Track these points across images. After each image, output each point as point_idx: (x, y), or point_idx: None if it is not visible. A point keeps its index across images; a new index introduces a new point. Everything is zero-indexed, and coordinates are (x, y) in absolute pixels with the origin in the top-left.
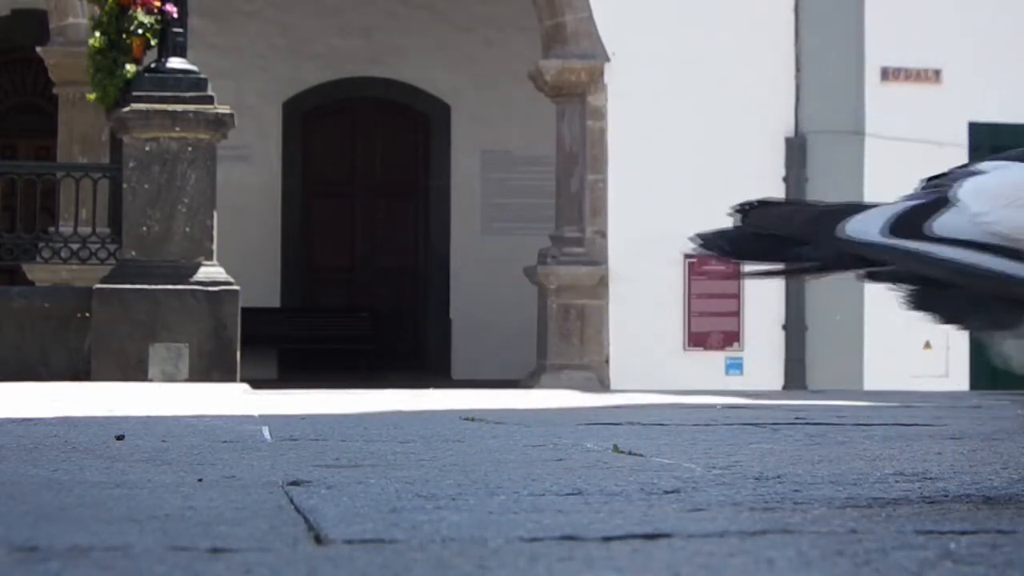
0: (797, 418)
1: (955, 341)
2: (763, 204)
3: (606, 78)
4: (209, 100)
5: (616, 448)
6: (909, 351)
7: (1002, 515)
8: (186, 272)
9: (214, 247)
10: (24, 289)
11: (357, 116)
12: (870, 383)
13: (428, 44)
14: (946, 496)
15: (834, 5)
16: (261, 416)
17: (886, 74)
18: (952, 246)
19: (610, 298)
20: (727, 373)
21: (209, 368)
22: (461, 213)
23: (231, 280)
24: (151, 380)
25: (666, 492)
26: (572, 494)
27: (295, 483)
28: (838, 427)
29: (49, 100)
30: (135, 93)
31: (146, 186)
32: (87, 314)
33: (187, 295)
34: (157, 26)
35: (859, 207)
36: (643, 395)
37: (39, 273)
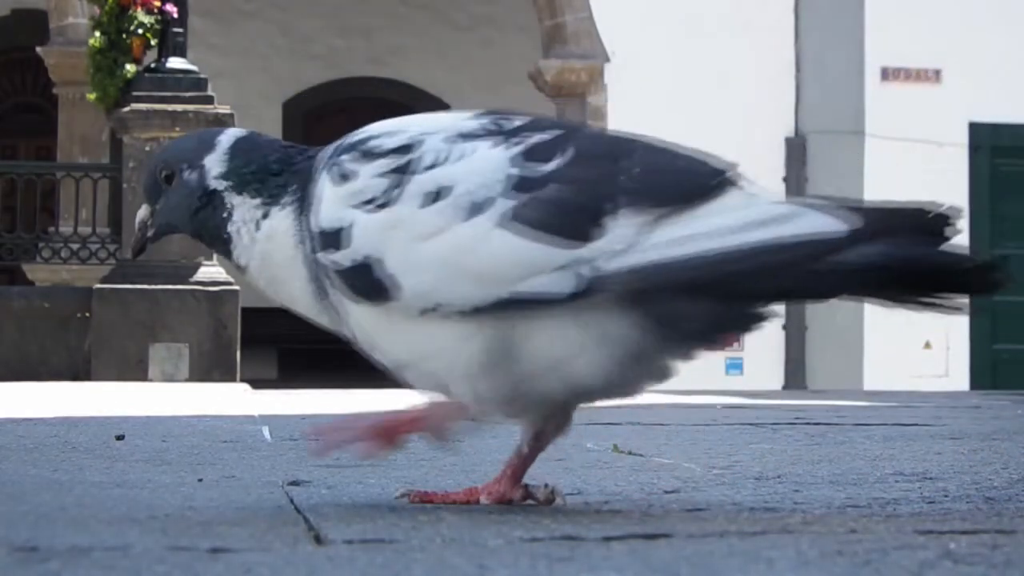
0: (797, 418)
1: (955, 341)
2: None
3: (606, 78)
4: (209, 100)
5: (616, 448)
6: (909, 351)
7: (1002, 515)
8: (186, 272)
9: None
10: (24, 289)
11: (357, 116)
12: (870, 383)
13: (428, 44)
14: (946, 496)
15: (834, 5)
16: (261, 416)
17: (886, 74)
18: None
19: None
20: (727, 373)
21: (209, 368)
22: None
23: (231, 280)
24: (151, 380)
25: (666, 492)
26: (572, 494)
27: (295, 483)
28: (838, 427)
29: (49, 100)
30: (135, 93)
31: None
32: (87, 314)
33: (187, 295)
34: (157, 26)
35: None
36: (643, 395)
37: (39, 273)
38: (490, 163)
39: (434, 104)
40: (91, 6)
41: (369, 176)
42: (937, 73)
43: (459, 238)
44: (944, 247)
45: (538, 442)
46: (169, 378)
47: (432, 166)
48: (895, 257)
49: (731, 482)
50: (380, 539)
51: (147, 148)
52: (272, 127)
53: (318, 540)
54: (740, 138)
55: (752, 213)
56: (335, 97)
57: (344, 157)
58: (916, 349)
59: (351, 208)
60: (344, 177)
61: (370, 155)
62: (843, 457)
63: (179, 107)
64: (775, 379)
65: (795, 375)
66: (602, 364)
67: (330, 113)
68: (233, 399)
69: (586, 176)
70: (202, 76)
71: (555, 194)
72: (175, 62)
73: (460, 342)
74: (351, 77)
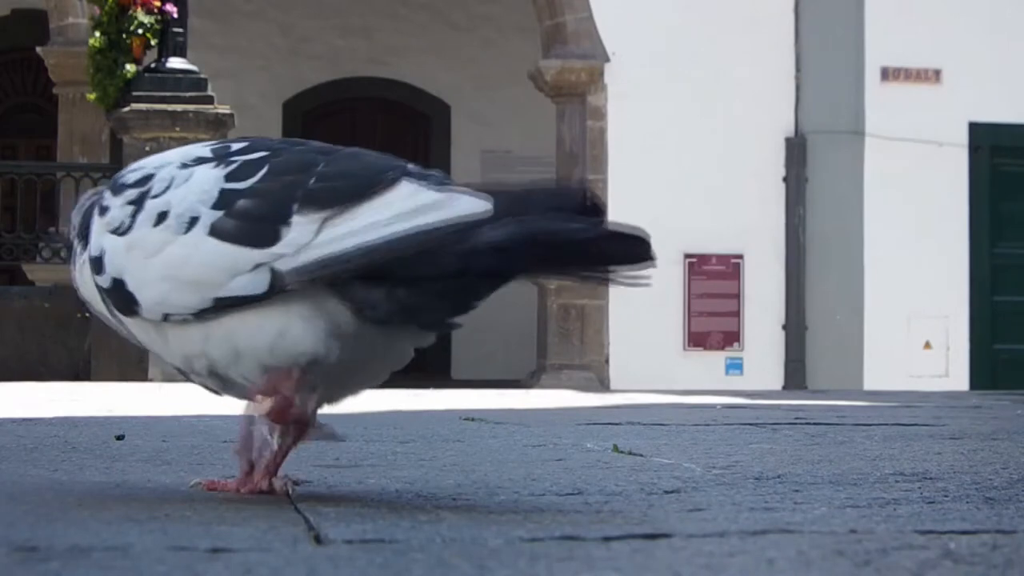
0: (797, 418)
1: (955, 341)
2: None
3: (606, 78)
4: (209, 100)
5: (616, 448)
6: (909, 351)
7: (1002, 515)
8: None
9: None
10: (24, 289)
11: (357, 116)
12: (870, 383)
13: (428, 44)
14: (946, 496)
15: (834, 5)
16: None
17: (886, 74)
18: None
19: (610, 298)
20: (727, 373)
21: None
22: None
23: None
24: (151, 380)
25: (666, 492)
26: (572, 494)
27: (295, 483)
28: (838, 427)
29: (49, 100)
30: (135, 93)
31: None
32: (87, 314)
33: None
34: (157, 26)
35: None
36: (643, 395)
37: (39, 273)
38: (203, 183)
39: (434, 104)
40: (91, 6)
41: (118, 207)
42: (937, 73)
43: (176, 251)
44: (581, 221)
45: (284, 438)
46: (169, 378)
47: (162, 192)
48: (527, 231)
49: (731, 482)
50: (380, 539)
51: (147, 148)
52: (272, 127)
53: (318, 540)
54: (740, 138)
55: (412, 202)
56: (335, 97)
57: (106, 193)
58: (916, 349)
59: (107, 235)
60: (103, 210)
61: (120, 188)
62: (843, 457)
63: (179, 107)
64: (775, 379)
65: (795, 375)
66: (319, 338)
67: (330, 113)
68: (233, 399)
69: (270, 189)
70: (202, 76)
71: (245, 207)
72: (175, 62)
73: (200, 343)
74: (351, 77)
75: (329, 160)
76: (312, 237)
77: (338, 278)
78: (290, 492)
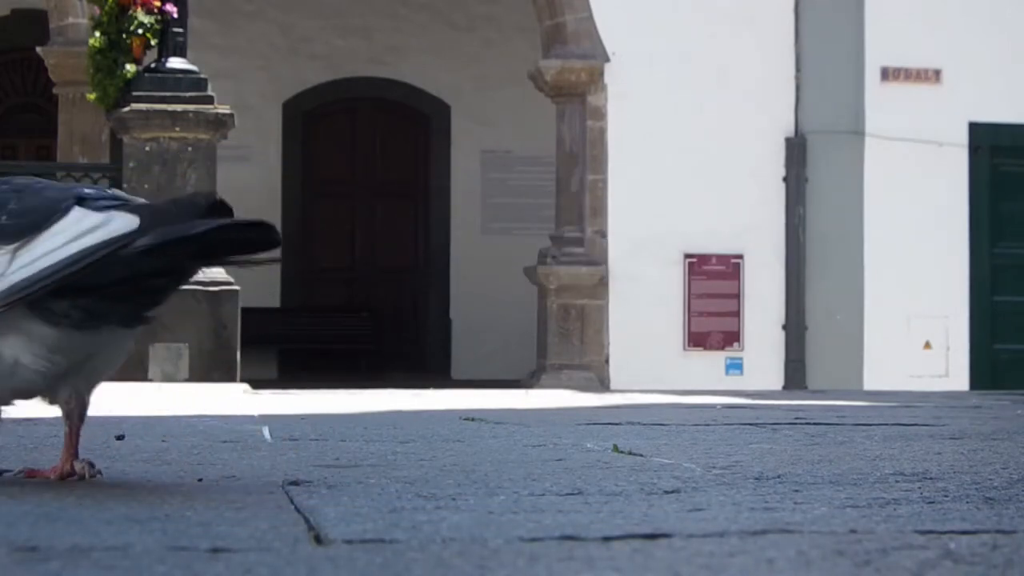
0: (797, 418)
1: (955, 341)
2: None
3: (606, 78)
4: (209, 100)
5: (616, 448)
6: (909, 351)
7: (1002, 515)
8: None
9: None
10: None
11: (357, 116)
12: (870, 383)
13: (428, 44)
14: (946, 496)
15: (834, 5)
16: (261, 416)
17: (886, 74)
18: None
19: (610, 298)
20: (727, 373)
21: (209, 368)
22: (461, 213)
23: (231, 280)
24: (151, 380)
25: (666, 492)
26: (572, 494)
27: (295, 483)
28: (838, 427)
29: (49, 100)
30: (135, 93)
31: (146, 186)
32: None
33: (187, 295)
34: (157, 26)
35: None
36: (643, 395)
37: None
38: None
39: (434, 104)
40: (91, 6)
41: None
42: (937, 73)
43: None
44: (207, 221)
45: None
46: (169, 378)
47: None
48: (164, 236)
49: (731, 482)
50: (380, 539)
51: (147, 148)
52: (272, 127)
53: (318, 540)
54: (740, 138)
55: (79, 227)
56: (335, 97)
57: None
58: (916, 349)
59: None
60: None
61: None
62: (843, 457)
63: (179, 107)
64: (775, 379)
65: (795, 375)
66: (30, 352)
67: (330, 113)
68: (233, 399)
69: None
70: (202, 76)
71: None
72: (175, 62)
73: None
74: (351, 77)
75: (19, 198)
76: (5, 268)
77: (36, 297)
78: (87, 475)
